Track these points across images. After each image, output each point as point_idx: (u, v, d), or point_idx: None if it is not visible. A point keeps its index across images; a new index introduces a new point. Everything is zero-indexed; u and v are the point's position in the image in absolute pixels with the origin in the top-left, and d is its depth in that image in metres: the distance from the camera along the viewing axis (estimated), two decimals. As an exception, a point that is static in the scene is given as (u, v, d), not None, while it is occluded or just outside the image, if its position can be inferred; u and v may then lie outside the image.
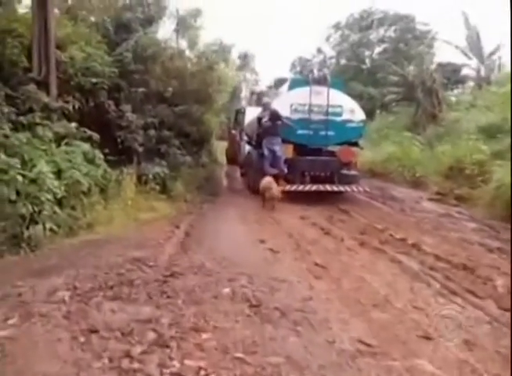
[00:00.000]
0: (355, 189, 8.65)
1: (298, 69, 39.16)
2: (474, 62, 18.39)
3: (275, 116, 8.19)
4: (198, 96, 9.43)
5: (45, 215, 4.76)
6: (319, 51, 39.07)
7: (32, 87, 6.21)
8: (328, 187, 8.32)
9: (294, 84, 9.06)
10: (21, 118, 5.77)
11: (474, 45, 18.20)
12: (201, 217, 6.97)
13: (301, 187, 8.22)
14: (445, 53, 24.10)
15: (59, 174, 5.41)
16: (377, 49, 35.61)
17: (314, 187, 8.25)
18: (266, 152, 8.20)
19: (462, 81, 21.65)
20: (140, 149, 7.96)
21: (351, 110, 8.74)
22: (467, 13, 18.07)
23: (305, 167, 8.48)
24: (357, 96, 31.75)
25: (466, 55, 18.42)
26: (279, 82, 42.14)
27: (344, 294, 3.35)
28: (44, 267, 3.83)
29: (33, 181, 4.86)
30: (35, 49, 6.59)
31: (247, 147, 11.07)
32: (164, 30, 10.63)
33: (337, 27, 37.44)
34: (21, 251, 4.38)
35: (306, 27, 57.00)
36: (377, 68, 33.86)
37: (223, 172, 15.21)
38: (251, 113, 11.04)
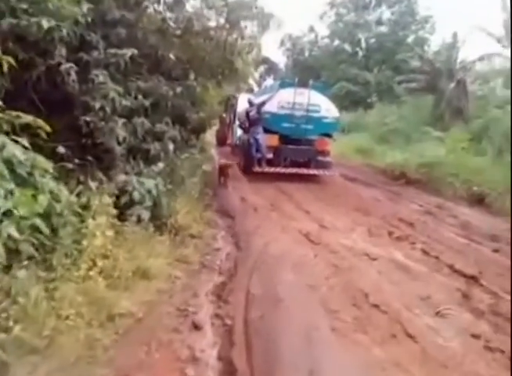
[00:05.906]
0: (327, 173, 10.38)
1: (288, 46, 35.71)
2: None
3: (260, 106, 9.96)
4: (215, 68, 6.19)
5: None
6: (311, 29, 35.83)
7: None
8: (305, 170, 10.13)
9: (282, 85, 10.68)
10: None
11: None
12: (236, 293, 3.86)
13: (282, 170, 9.89)
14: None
15: None
16: (373, 32, 32.60)
17: (294, 170, 9.96)
18: (252, 140, 9.66)
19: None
20: (120, 148, 4.80)
21: (327, 109, 10.51)
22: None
23: (288, 153, 10.19)
24: (351, 80, 29.09)
25: (500, 42, 15.69)
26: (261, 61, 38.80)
27: None
28: None
29: None
30: None
31: (239, 131, 12.42)
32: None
33: (332, 4, 34.24)
34: None
35: (299, 2, 52.66)
36: (374, 51, 31.26)
37: (217, 166, 12.26)
38: (243, 100, 12.52)
